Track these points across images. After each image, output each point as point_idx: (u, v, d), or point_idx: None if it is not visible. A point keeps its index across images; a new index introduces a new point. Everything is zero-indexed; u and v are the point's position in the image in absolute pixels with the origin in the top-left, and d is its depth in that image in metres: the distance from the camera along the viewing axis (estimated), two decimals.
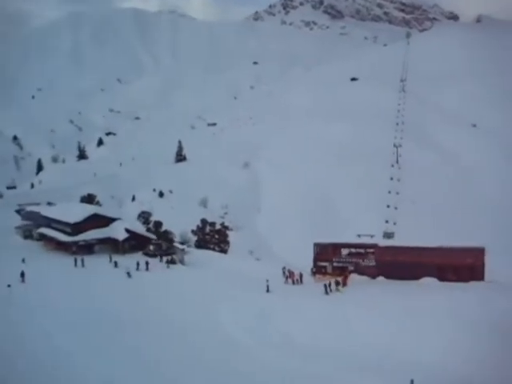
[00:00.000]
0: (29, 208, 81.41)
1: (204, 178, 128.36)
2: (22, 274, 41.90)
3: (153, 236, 65.11)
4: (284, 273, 50.25)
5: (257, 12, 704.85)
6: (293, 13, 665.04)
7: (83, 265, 51.37)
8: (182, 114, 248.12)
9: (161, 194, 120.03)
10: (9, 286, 38.12)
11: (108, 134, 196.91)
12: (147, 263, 51.86)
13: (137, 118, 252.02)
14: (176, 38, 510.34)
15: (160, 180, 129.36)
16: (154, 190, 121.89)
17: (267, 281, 43.86)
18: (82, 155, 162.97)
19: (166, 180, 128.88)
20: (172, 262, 55.06)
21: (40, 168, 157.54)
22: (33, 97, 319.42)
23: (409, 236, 64.10)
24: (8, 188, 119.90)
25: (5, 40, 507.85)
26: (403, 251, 47.10)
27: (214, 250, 77.71)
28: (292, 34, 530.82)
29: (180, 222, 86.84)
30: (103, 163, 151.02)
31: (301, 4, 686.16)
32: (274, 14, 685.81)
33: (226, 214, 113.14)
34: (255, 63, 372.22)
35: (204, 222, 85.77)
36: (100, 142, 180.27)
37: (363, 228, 63.99)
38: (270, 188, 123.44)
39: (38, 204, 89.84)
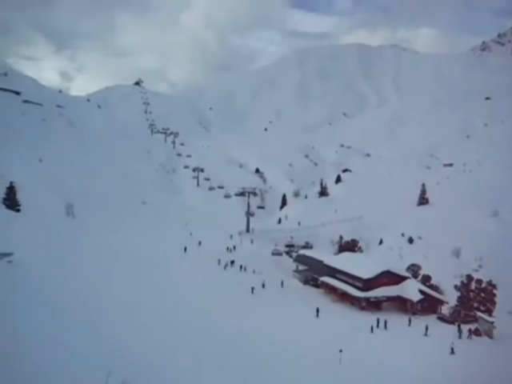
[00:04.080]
0: (302, 251, 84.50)
1: (451, 224, 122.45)
2: None
3: (444, 298, 62.55)
4: None
5: (484, 42, 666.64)
6: None
7: (385, 327, 50.62)
8: (412, 151, 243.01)
9: (410, 240, 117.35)
10: (340, 351, 37.56)
11: (344, 170, 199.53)
12: (470, 332, 49.59)
13: (367, 155, 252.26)
14: (399, 71, 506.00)
15: (404, 224, 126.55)
16: (403, 234, 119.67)
17: None
18: (323, 192, 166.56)
19: (410, 224, 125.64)
20: (477, 333, 51.68)
21: (284, 203, 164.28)
22: (265, 129, 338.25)
23: None
24: (258, 208, 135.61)
25: (237, 75, 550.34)
26: None
27: (477, 309, 72.65)
28: None
29: (433, 273, 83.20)
30: (344, 201, 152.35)
31: None
32: (503, 44, 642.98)
33: (480, 267, 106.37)
34: (487, 98, 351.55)
35: (469, 277, 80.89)
36: (338, 179, 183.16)
37: None
38: None
39: (307, 247, 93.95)
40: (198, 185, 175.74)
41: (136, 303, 38.73)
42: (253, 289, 59.31)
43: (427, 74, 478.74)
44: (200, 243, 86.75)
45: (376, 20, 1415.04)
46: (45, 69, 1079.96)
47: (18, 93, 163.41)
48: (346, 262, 67.04)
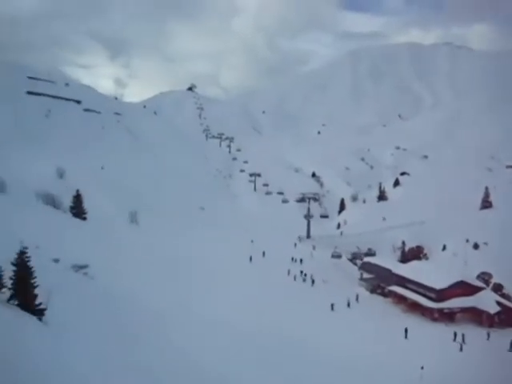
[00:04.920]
0: (367, 259, 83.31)
1: None
2: None
3: None
4: None
5: None
6: None
7: (463, 341, 48.92)
8: (471, 152, 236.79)
9: (475, 246, 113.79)
10: (422, 368, 36.42)
11: (402, 173, 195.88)
12: None
13: (425, 157, 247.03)
14: (454, 70, 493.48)
15: (468, 228, 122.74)
16: (467, 240, 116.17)
17: None
18: (382, 196, 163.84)
19: (474, 229, 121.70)
20: None
21: (342, 207, 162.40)
22: (318, 132, 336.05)
23: None
24: (322, 217, 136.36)
25: (289, 78, 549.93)
26: None
27: None
28: None
29: (501, 281, 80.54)
30: (403, 206, 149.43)
31: None
32: None
33: None
34: None
35: None
36: (396, 183, 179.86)
37: None
38: None
39: (370, 253, 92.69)
40: (255, 190, 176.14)
41: (212, 316, 38.62)
42: (332, 305, 57.36)
43: (484, 72, 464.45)
44: (264, 254, 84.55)
45: (428, 18, 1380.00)
46: (100, 76, 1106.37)
47: (78, 102, 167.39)
48: (415, 272, 65.58)
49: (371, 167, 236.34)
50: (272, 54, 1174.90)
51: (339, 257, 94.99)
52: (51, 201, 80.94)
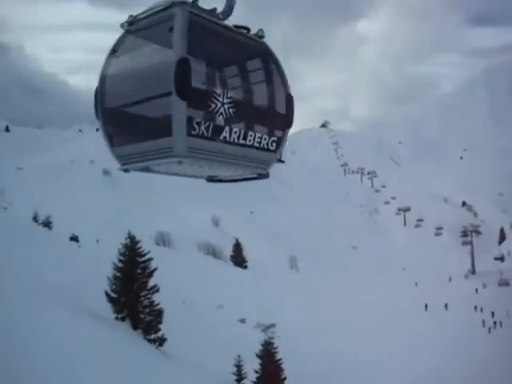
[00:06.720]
0: None
1: None
2: None
3: None
4: None
5: None
6: None
7: None
8: None
9: None
10: None
11: None
12: None
13: None
14: None
15: None
16: None
17: None
18: None
19: None
20: None
21: (503, 237, 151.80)
22: (461, 158, 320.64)
23: None
24: (495, 259, 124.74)
25: (421, 104, 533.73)
26: None
27: None
28: None
29: None
30: None
31: None
32: None
33: None
34: None
35: None
36: None
37: None
38: None
39: None
40: (404, 224, 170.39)
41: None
42: None
43: None
44: (446, 306, 75.03)
45: None
46: None
47: None
48: None
49: None
50: (400, 80, 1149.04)
51: (507, 284, 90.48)
52: (212, 251, 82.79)
